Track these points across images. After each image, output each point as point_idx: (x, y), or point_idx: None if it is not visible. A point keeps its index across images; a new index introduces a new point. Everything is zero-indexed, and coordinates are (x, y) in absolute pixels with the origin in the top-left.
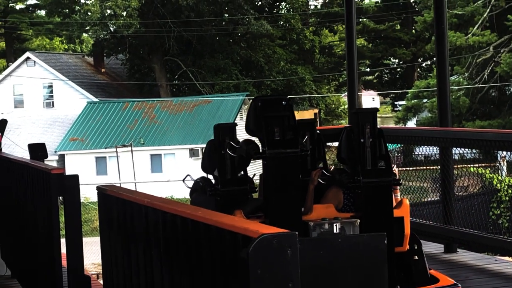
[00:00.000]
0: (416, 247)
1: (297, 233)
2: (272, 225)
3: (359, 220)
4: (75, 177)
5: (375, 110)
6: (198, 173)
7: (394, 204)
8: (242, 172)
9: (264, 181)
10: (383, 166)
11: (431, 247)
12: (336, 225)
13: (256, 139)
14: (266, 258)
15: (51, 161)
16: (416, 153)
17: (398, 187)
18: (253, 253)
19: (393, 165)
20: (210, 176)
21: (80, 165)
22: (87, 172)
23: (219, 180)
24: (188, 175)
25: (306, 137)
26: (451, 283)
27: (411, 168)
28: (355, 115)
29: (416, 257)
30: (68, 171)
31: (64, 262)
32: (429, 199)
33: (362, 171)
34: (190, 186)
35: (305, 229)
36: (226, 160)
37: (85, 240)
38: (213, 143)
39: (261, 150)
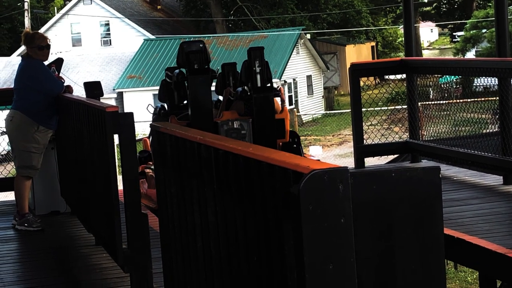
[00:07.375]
0: (296, 140)
1: (348, 167)
2: (192, 126)
3: (251, 119)
4: (130, 115)
5: (262, 48)
6: None
7: (280, 110)
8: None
9: (188, 96)
10: (268, 85)
11: (489, 179)
12: (236, 123)
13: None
14: (317, 194)
15: (110, 99)
16: (475, 84)
17: (286, 101)
18: (304, 189)
19: (279, 85)
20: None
21: (138, 102)
22: (146, 109)
23: (169, 103)
24: (150, 104)
25: (219, 68)
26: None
27: (469, 100)
28: (249, 52)
29: (295, 146)
30: (127, 109)
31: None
32: (489, 130)
33: (253, 88)
34: (152, 112)
35: (215, 127)
36: (172, 89)
37: None
38: (163, 79)
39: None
